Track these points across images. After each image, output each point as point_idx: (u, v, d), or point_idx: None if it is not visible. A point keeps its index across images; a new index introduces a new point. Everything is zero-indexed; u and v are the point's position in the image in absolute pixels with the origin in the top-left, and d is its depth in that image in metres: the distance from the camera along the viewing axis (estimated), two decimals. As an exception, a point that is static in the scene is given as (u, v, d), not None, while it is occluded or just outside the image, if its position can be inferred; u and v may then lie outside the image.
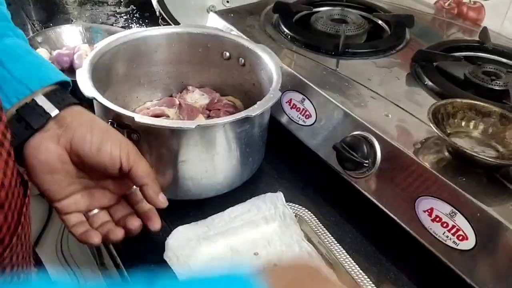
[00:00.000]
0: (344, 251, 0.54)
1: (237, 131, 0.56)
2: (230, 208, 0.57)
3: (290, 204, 0.60)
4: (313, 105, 0.65)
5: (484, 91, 0.65)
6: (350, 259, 0.53)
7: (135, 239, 0.55)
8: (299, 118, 0.67)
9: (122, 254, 0.57)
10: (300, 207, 0.60)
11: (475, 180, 0.51)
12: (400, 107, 0.62)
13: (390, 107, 0.62)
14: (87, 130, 0.46)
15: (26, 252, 0.44)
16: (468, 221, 0.49)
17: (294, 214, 0.59)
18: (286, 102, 0.69)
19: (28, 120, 0.44)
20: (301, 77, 0.67)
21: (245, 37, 0.73)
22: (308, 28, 0.81)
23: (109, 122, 0.55)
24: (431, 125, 0.53)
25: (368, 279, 0.51)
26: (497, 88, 0.65)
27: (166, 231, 0.55)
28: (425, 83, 0.67)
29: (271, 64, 0.64)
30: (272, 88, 0.59)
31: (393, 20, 0.83)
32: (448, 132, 0.57)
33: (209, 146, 0.55)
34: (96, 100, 0.54)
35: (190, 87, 0.75)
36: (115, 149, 0.46)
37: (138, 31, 0.68)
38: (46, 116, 0.45)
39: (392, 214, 0.56)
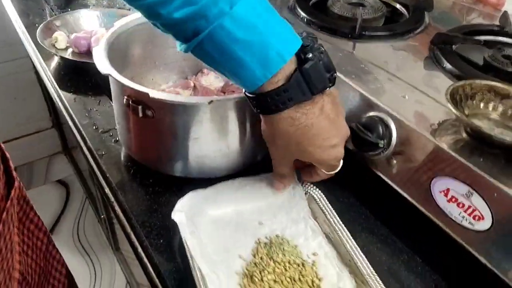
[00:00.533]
0: (347, 232, 0.53)
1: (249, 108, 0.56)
2: (241, 178, 0.58)
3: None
4: (329, 87, 0.64)
5: (504, 75, 0.64)
6: (352, 240, 0.52)
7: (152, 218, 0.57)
8: (314, 100, 0.67)
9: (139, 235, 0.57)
10: (312, 185, 0.59)
11: (493, 161, 0.50)
12: (417, 89, 0.61)
13: (407, 89, 0.61)
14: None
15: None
16: (485, 201, 0.48)
17: (305, 192, 0.59)
18: (301, 84, 0.68)
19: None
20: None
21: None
22: (325, 11, 0.80)
23: (125, 100, 0.55)
24: (449, 105, 0.52)
25: (367, 262, 0.50)
26: (517, 71, 0.64)
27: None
28: (444, 66, 0.66)
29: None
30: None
31: (411, 3, 0.81)
32: (466, 113, 0.56)
33: (222, 123, 0.55)
34: (112, 76, 0.54)
35: (205, 70, 0.75)
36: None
37: (154, 12, 0.69)
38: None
39: (407, 195, 0.55)
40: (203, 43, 0.43)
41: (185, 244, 0.49)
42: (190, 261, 0.48)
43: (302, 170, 0.58)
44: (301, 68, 0.45)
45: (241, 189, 0.57)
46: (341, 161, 0.54)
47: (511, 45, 0.72)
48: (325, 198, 0.58)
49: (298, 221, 0.56)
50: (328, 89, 0.48)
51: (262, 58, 0.43)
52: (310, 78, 0.45)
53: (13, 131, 1.83)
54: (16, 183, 0.49)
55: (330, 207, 0.57)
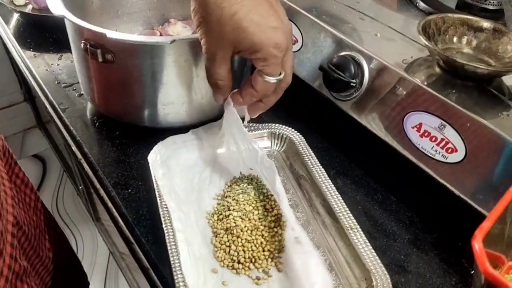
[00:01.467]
0: (324, 173, 0.52)
1: (217, 51, 0.53)
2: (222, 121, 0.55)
3: (280, 126, 0.58)
4: (300, 30, 0.62)
5: (478, 11, 0.62)
6: (329, 181, 0.51)
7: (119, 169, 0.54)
8: (285, 45, 0.64)
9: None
10: (291, 129, 0.58)
11: (466, 93, 0.49)
12: (390, 27, 0.59)
13: (379, 27, 0.60)
14: None
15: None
16: (457, 133, 0.47)
17: (284, 136, 0.57)
18: (272, 30, 0.66)
19: None
20: (286, 1, 0.64)
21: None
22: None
23: (82, 44, 0.52)
24: (421, 37, 0.51)
25: (341, 200, 0.49)
26: (491, 7, 0.63)
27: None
28: (417, 4, 0.64)
29: (254, -13, 0.61)
30: (254, 7, 0.56)
31: None
32: (440, 48, 0.54)
33: (188, 66, 0.53)
34: (67, 18, 0.51)
35: (172, 20, 0.72)
36: None
37: (113, -44, 0.65)
38: None
39: (380, 135, 0.54)
40: None
41: (155, 184, 0.47)
42: (158, 200, 0.46)
43: (248, 109, 0.52)
44: None
45: (219, 134, 0.55)
46: (288, 78, 0.50)
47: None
48: (304, 141, 0.56)
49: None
50: None
51: None
52: None
53: (-16, 106, 1.77)
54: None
55: (310, 150, 0.55)
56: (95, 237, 1.62)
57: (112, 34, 0.48)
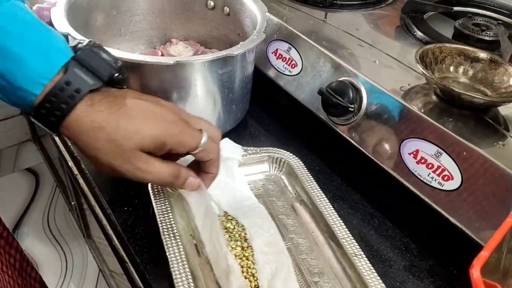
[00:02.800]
0: (325, 198, 0.52)
1: (218, 72, 0.54)
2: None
3: (279, 150, 0.58)
4: (299, 54, 0.63)
5: (475, 42, 0.64)
6: (330, 206, 0.51)
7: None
8: (285, 68, 0.65)
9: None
10: (289, 153, 0.57)
11: (462, 121, 0.50)
12: (388, 55, 0.61)
13: (377, 54, 0.61)
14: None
15: None
16: (454, 161, 0.48)
17: (283, 161, 0.57)
18: (272, 53, 0.67)
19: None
20: (287, 25, 0.65)
21: (230, -14, 0.70)
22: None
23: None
24: (418, 65, 0.52)
25: (344, 226, 0.48)
26: (487, 38, 0.64)
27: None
28: (414, 33, 0.65)
29: (256, 11, 0.62)
30: (256, 31, 0.57)
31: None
32: (436, 76, 0.55)
33: (188, 86, 0.53)
34: (71, 36, 0.51)
35: (173, 40, 0.73)
36: None
37: (118, -23, 0.66)
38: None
39: (376, 160, 0.54)
40: None
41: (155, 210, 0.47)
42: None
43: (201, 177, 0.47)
44: (75, 56, 0.38)
45: None
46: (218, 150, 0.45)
47: (480, 15, 0.72)
48: (303, 166, 0.56)
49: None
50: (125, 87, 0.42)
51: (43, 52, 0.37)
52: (89, 63, 0.39)
53: (-21, 119, 1.77)
54: None
55: (309, 174, 0.55)
56: (85, 254, 1.59)
57: (115, 53, 0.49)
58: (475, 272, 0.28)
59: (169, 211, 0.48)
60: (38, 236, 1.64)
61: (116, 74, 0.40)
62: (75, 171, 0.60)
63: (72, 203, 1.44)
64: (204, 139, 0.42)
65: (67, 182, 1.35)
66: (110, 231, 0.53)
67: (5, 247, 0.57)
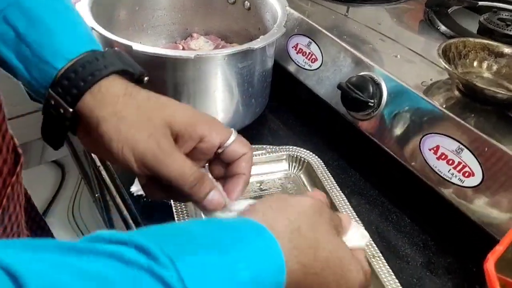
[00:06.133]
0: (344, 197, 0.52)
1: (238, 66, 0.54)
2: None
3: (298, 148, 0.58)
4: (320, 48, 0.63)
5: (500, 37, 0.62)
6: (348, 205, 0.51)
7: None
8: (305, 62, 0.65)
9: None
10: (309, 152, 0.57)
11: (484, 117, 0.49)
12: (410, 49, 0.60)
13: (399, 49, 0.60)
14: None
15: (19, 215, 0.40)
16: (475, 157, 0.47)
17: (303, 159, 0.57)
18: (293, 47, 0.67)
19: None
20: (308, 20, 0.65)
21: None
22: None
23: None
24: (441, 60, 0.51)
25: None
26: (513, 33, 0.62)
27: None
28: (438, 27, 0.64)
29: (276, 5, 0.62)
30: (277, 25, 0.57)
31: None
32: (459, 71, 0.54)
33: (209, 80, 0.54)
34: (95, 30, 0.53)
35: (194, 34, 0.73)
36: None
37: (141, -28, 0.67)
38: None
39: (396, 155, 0.54)
40: None
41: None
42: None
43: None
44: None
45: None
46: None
47: (506, 9, 0.70)
48: (323, 164, 0.56)
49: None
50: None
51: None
52: (120, 55, 0.38)
53: (10, 111, 1.82)
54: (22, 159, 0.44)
55: (328, 173, 0.55)
56: (108, 245, 1.63)
57: (138, 46, 0.50)
58: (489, 265, 0.28)
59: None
60: (64, 227, 1.69)
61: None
62: (98, 162, 0.62)
63: (96, 195, 1.47)
64: (234, 132, 0.38)
65: (91, 175, 1.39)
66: (131, 221, 0.54)
67: (37, 231, 0.58)
